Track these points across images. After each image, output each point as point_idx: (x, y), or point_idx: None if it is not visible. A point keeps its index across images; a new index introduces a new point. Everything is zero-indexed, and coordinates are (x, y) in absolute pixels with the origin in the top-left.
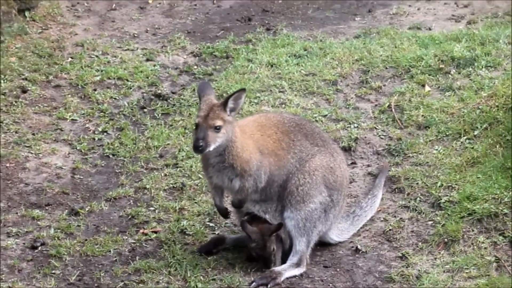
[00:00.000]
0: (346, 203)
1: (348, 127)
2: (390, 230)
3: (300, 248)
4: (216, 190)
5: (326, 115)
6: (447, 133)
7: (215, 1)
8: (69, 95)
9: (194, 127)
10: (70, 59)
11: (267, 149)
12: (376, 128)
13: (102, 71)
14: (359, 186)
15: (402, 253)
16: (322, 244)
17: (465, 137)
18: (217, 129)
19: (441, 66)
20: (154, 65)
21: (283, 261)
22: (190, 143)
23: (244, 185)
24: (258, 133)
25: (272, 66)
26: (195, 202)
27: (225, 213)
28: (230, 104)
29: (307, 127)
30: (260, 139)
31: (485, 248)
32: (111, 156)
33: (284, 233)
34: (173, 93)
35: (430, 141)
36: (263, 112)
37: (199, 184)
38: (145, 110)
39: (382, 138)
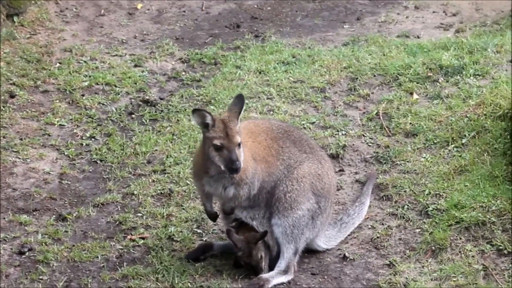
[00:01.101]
0: (334, 210)
1: (336, 134)
2: (377, 237)
3: (288, 255)
4: (207, 196)
5: (314, 122)
6: (435, 141)
7: (203, 8)
8: (57, 101)
9: (216, 148)
10: (58, 64)
11: (258, 155)
12: (364, 136)
13: (90, 76)
14: (346, 194)
15: (389, 261)
16: (310, 251)
17: (453, 145)
18: (239, 145)
19: (429, 74)
20: (142, 71)
21: (271, 268)
22: (220, 164)
23: (238, 193)
24: (249, 140)
25: (260, 73)
26: (183, 208)
27: (215, 218)
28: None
29: (295, 134)
30: (253, 146)
31: (472, 256)
32: (98, 161)
33: (271, 240)
34: (161, 99)
35: (418, 149)
36: (251, 119)
37: (186, 190)
38: (133, 116)
39: (370, 145)
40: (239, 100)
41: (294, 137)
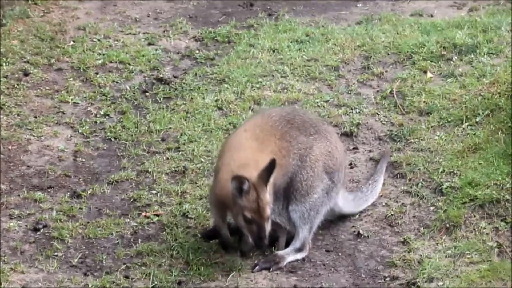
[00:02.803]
0: (349, 188)
1: (350, 112)
2: (392, 215)
3: (303, 234)
4: (224, 221)
5: (328, 100)
6: (449, 119)
7: None
8: (71, 79)
9: (246, 220)
10: (72, 42)
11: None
12: (378, 114)
13: (104, 54)
14: (361, 171)
15: (403, 238)
16: (324, 228)
17: (467, 124)
18: (269, 218)
19: (443, 52)
20: (156, 50)
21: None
22: (247, 235)
23: None
24: (261, 154)
25: (274, 51)
26: (197, 186)
27: (228, 247)
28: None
29: (297, 119)
30: (265, 160)
31: (486, 233)
32: (113, 139)
33: (288, 225)
34: (175, 77)
35: (432, 127)
36: (255, 117)
37: (201, 168)
38: (147, 94)
39: (383, 123)
40: (271, 165)
41: (297, 123)
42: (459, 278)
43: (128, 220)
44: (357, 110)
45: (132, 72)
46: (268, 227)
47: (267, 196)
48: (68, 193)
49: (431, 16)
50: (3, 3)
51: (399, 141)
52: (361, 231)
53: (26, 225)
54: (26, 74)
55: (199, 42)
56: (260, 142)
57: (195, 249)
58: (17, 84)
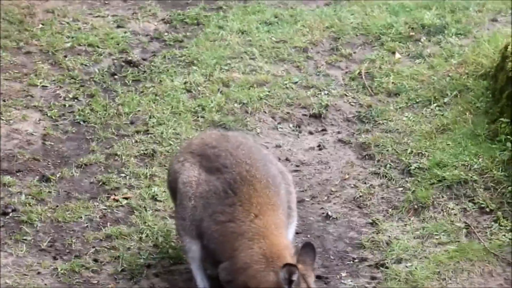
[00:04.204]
0: (317, 170)
1: (318, 94)
2: (360, 196)
3: None
4: None
5: (297, 82)
6: (417, 100)
7: None
8: (40, 62)
9: None
10: (40, 25)
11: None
12: (346, 95)
13: (72, 37)
14: (329, 153)
15: (372, 220)
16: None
17: (435, 104)
18: None
19: (411, 33)
20: (125, 32)
21: None
22: None
23: None
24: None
25: (242, 33)
26: (166, 169)
27: None
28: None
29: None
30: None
31: (455, 214)
32: (81, 122)
33: None
34: (143, 60)
35: (400, 108)
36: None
37: (169, 151)
38: (116, 76)
39: (352, 105)
40: (311, 249)
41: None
42: (427, 259)
43: (97, 203)
44: (326, 92)
45: (101, 55)
46: None
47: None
48: (37, 176)
49: None
50: None
51: (367, 122)
52: (329, 213)
53: None
54: None
55: (168, 24)
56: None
57: (164, 232)
58: None
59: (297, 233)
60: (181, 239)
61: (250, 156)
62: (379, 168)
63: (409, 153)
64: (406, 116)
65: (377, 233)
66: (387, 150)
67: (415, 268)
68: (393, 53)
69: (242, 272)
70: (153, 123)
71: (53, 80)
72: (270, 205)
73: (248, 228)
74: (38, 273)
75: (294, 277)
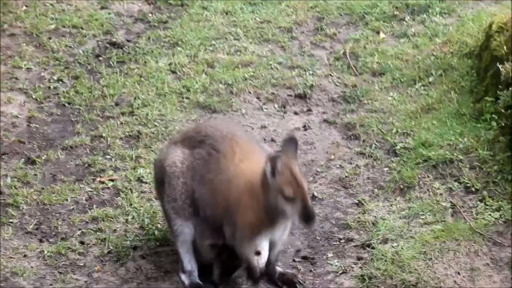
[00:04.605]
0: (303, 151)
1: (303, 74)
2: (346, 177)
3: None
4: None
5: (281, 62)
6: (402, 80)
7: None
8: (24, 44)
9: (287, 199)
10: (24, 7)
11: None
12: (331, 75)
13: (56, 19)
14: (314, 133)
15: (358, 200)
16: None
17: (420, 84)
18: (308, 191)
19: (395, 13)
20: (109, 13)
21: None
22: (292, 217)
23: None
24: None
25: (227, 13)
26: (151, 150)
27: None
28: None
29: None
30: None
31: (440, 194)
32: (66, 104)
33: None
34: (128, 41)
35: (385, 87)
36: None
37: (155, 132)
38: (100, 58)
39: (337, 85)
40: (293, 141)
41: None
42: (413, 239)
43: (83, 185)
44: (311, 72)
45: (85, 36)
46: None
47: (299, 170)
48: (23, 159)
49: None
50: None
51: (352, 102)
52: (315, 194)
53: None
54: None
55: (152, 5)
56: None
57: (150, 213)
58: None
59: None
60: (172, 224)
61: (231, 127)
62: (365, 148)
63: (394, 133)
64: (391, 96)
65: (363, 214)
66: (373, 130)
67: (401, 248)
68: (378, 32)
69: (238, 213)
70: (138, 104)
71: (38, 62)
72: (253, 151)
73: (234, 173)
74: (25, 255)
75: (278, 166)
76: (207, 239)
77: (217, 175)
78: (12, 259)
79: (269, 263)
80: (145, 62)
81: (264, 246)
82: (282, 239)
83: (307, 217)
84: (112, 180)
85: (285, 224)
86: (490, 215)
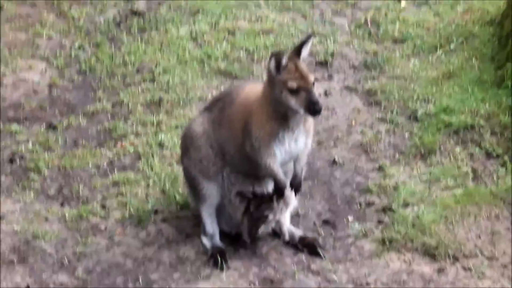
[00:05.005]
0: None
1: (324, 41)
2: (367, 142)
3: None
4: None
5: (302, 30)
6: (423, 47)
7: None
8: (45, 12)
9: (292, 92)
10: None
11: None
12: (352, 43)
13: None
14: (335, 100)
15: (379, 165)
16: None
17: (441, 51)
18: (314, 84)
19: None
20: None
21: None
22: (297, 108)
23: (308, 145)
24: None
25: None
26: (173, 116)
27: (283, 191)
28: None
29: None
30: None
31: (461, 159)
32: (88, 71)
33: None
34: (149, 9)
35: (406, 55)
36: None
37: (176, 99)
38: (121, 26)
39: (358, 52)
40: (306, 37)
41: None
42: (434, 203)
43: (104, 150)
44: (332, 39)
45: (106, 4)
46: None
47: (305, 65)
48: (44, 125)
49: None
50: None
51: (373, 69)
52: (336, 158)
53: (2, 157)
54: None
55: None
56: None
57: (171, 178)
58: None
59: (304, 178)
60: (200, 188)
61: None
62: (386, 114)
63: (415, 99)
64: (412, 63)
65: (384, 178)
66: (394, 97)
67: (422, 212)
68: (399, 1)
69: (253, 122)
70: (159, 71)
71: (59, 30)
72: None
73: (246, 96)
74: (46, 219)
75: (283, 61)
76: (234, 187)
77: (231, 108)
78: (34, 222)
79: (295, 175)
80: (166, 30)
81: (283, 152)
82: (304, 150)
83: (311, 107)
84: (133, 145)
85: (299, 127)
86: (510, 179)
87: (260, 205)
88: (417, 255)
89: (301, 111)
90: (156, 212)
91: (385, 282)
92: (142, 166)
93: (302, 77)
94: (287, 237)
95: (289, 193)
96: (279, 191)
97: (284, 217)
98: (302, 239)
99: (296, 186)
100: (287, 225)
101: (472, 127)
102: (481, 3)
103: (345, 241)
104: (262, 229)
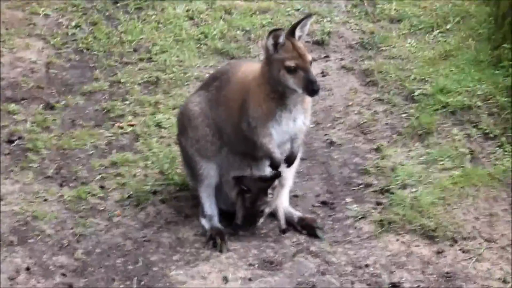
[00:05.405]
0: (321, 97)
1: (321, 21)
2: (364, 122)
3: None
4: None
5: (299, 9)
6: (420, 27)
7: None
8: None
9: (290, 70)
10: None
11: None
12: (349, 22)
13: None
14: (332, 80)
15: (377, 146)
16: None
17: (437, 31)
18: (311, 63)
19: None
20: None
21: None
22: (295, 88)
23: (306, 124)
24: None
25: None
26: (170, 96)
27: (278, 167)
28: (298, 33)
29: None
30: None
31: (459, 140)
32: (85, 50)
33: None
34: None
35: (403, 34)
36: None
37: (173, 78)
38: (118, 4)
39: (355, 32)
40: (304, 16)
41: None
42: (432, 185)
43: (102, 130)
44: (328, 19)
45: None
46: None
47: (302, 44)
48: (42, 104)
49: None
50: None
51: (370, 49)
52: (334, 139)
53: (1, 137)
54: None
55: None
56: None
57: (170, 158)
58: None
59: (302, 159)
60: (197, 168)
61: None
62: (383, 95)
63: (412, 80)
64: (409, 43)
65: (381, 159)
66: (391, 77)
67: (420, 193)
68: None
69: (250, 101)
70: (156, 50)
71: (55, 9)
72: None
73: (242, 75)
74: (45, 200)
75: (281, 40)
76: (232, 171)
77: (228, 87)
78: (33, 203)
79: (291, 153)
80: (162, 8)
81: (279, 132)
82: (302, 129)
83: (310, 86)
84: (131, 125)
85: (296, 107)
86: (508, 161)
87: (255, 201)
88: (416, 237)
89: (299, 90)
90: (154, 193)
91: (384, 264)
92: (140, 146)
93: (300, 55)
94: (283, 225)
95: (285, 173)
96: (274, 169)
97: (281, 201)
98: (301, 220)
99: (290, 163)
100: (284, 207)
101: (469, 107)
102: None
103: (344, 222)
104: (260, 221)
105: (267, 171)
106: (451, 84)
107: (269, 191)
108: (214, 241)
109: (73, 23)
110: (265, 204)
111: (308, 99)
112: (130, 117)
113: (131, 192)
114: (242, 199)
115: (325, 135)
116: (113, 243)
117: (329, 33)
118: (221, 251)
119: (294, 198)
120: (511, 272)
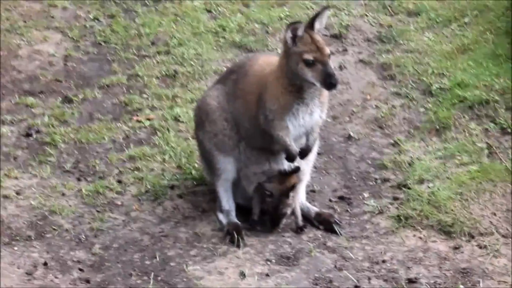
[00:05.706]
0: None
1: (338, 14)
2: (382, 117)
3: None
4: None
5: (317, 2)
6: (438, 20)
7: None
8: None
9: (308, 64)
10: None
11: None
12: (366, 15)
13: None
14: (350, 73)
15: (394, 140)
16: None
17: (455, 24)
18: (329, 56)
19: None
20: None
21: None
22: (313, 81)
23: (322, 118)
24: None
25: None
26: (188, 90)
27: (294, 159)
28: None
29: None
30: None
31: (476, 135)
32: (103, 43)
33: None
34: None
35: (420, 28)
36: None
37: (191, 72)
38: None
39: (372, 25)
40: (321, 9)
41: None
42: (449, 180)
43: (120, 124)
44: (346, 12)
45: None
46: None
47: (320, 37)
48: (60, 98)
49: None
50: None
51: (388, 42)
52: (351, 134)
53: (19, 131)
54: None
55: None
56: None
57: (187, 153)
58: None
59: (319, 153)
60: (215, 162)
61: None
62: (400, 89)
63: (430, 73)
64: (427, 36)
65: (399, 154)
66: (408, 71)
67: (437, 188)
68: None
69: (267, 94)
70: (174, 43)
71: (74, 1)
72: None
73: (260, 68)
74: (63, 194)
75: (299, 33)
76: (250, 165)
77: (245, 80)
78: (51, 197)
79: (307, 146)
80: (180, 1)
81: (296, 125)
82: (318, 123)
83: (328, 80)
84: (149, 119)
85: (314, 101)
86: None
87: (278, 205)
88: (433, 232)
89: (317, 84)
90: (172, 187)
91: (401, 259)
92: (158, 140)
93: (318, 49)
94: (300, 222)
95: (303, 168)
96: (290, 161)
97: (298, 196)
98: (318, 215)
99: (304, 155)
100: (301, 202)
101: (487, 102)
102: None
103: (361, 217)
104: (283, 223)
105: (286, 165)
106: (468, 78)
107: (291, 194)
108: (231, 236)
109: (91, 16)
110: (287, 206)
111: (326, 93)
112: (147, 111)
113: (149, 187)
114: (262, 201)
115: (343, 129)
116: (130, 238)
117: (346, 27)
118: (238, 246)
119: (311, 193)
120: None
